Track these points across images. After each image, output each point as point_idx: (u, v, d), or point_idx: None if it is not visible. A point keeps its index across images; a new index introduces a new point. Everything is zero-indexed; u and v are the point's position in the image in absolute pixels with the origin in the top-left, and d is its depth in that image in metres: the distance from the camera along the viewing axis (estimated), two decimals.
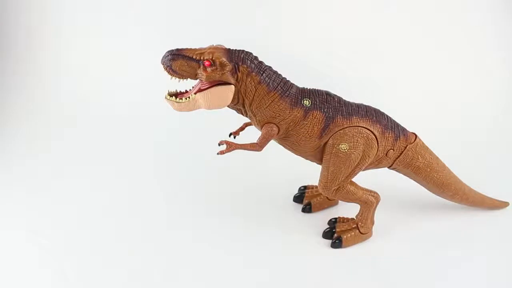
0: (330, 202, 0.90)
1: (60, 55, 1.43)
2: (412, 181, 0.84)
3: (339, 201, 0.91)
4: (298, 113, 0.72)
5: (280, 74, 0.73)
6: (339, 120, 0.74)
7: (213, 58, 0.67)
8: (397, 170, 0.82)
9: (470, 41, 1.32)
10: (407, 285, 0.72)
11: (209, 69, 0.67)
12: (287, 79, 0.74)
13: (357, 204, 0.80)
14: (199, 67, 0.68)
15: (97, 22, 1.41)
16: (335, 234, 0.81)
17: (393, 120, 0.78)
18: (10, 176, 1.05)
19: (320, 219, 0.86)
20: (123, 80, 1.37)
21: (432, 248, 0.80)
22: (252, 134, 0.78)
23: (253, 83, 0.70)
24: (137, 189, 0.98)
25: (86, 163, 1.10)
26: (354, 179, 0.79)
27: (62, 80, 1.41)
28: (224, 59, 0.68)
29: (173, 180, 1.02)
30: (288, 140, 0.76)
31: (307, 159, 0.80)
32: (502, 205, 0.89)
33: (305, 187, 0.93)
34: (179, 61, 0.67)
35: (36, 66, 1.43)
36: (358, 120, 0.74)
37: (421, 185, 0.85)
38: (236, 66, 0.69)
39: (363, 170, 0.79)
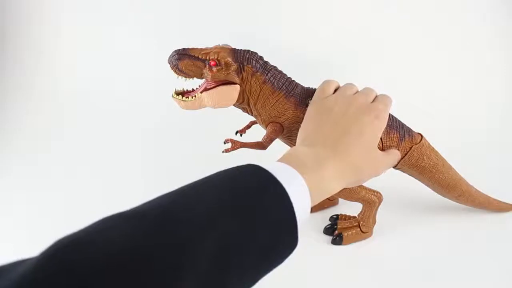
0: (330, 202, 0.91)
1: (60, 55, 1.45)
2: (415, 181, 0.84)
3: (340, 201, 0.92)
4: (302, 113, 0.73)
5: (285, 74, 0.74)
6: None
7: (219, 58, 0.68)
8: (402, 171, 0.82)
9: (470, 41, 1.31)
10: (406, 284, 0.73)
11: (214, 69, 0.69)
12: (292, 78, 0.75)
13: (358, 203, 0.81)
14: (205, 66, 0.69)
15: (98, 21, 1.42)
16: (336, 231, 0.82)
17: (399, 120, 0.78)
18: (10, 176, 1.07)
19: (320, 219, 0.87)
20: (124, 80, 1.39)
21: (433, 249, 0.80)
22: (259, 132, 0.79)
23: (258, 82, 0.71)
24: (138, 188, 0.99)
25: (87, 163, 1.12)
26: None
27: (62, 80, 1.42)
28: (230, 59, 0.69)
29: (173, 180, 1.02)
30: (293, 139, 0.77)
31: None
32: (508, 207, 0.88)
33: None
34: (186, 60, 0.69)
35: (36, 65, 1.45)
36: None
37: (426, 185, 0.85)
38: (241, 66, 0.70)
39: None
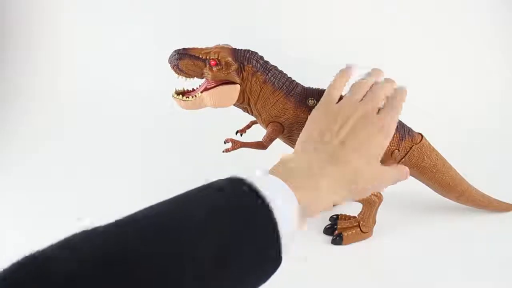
0: None
1: (59, 55, 1.45)
2: (415, 181, 0.84)
3: None
4: (303, 112, 0.73)
5: (285, 74, 0.74)
6: None
7: (219, 58, 0.68)
8: None
9: (470, 41, 1.31)
10: (406, 285, 0.73)
11: (215, 69, 0.69)
12: (293, 78, 0.75)
13: (358, 203, 0.81)
14: (205, 66, 0.69)
15: (97, 21, 1.42)
16: (336, 231, 0.82)
17: (399, 120, 0.78)
18: (10, 176, 1.07)
19: (320, 219, 0.87)
20: (124, 80, 1.38)
21: (433, 249, 0.80)
22: (259, 132, 0.80)
23: (258, 82, 0.71)
24: (138, 188, 0.99)
25: (87, 163, 1.12)
26: None
27: (62, 80, 1.42)
28: (230, 59, 0.69)
29: (173, 180, 1.01)
30: (293, 139, 0.77)
31: None
32: (508, 207, 0.88)
33: None
34: (186, 60, 0.69)
35: (36, 65, 1.45)
36: None
37: (427, 185, 0.85)
38: (242, 65, 0.70)
39: None
